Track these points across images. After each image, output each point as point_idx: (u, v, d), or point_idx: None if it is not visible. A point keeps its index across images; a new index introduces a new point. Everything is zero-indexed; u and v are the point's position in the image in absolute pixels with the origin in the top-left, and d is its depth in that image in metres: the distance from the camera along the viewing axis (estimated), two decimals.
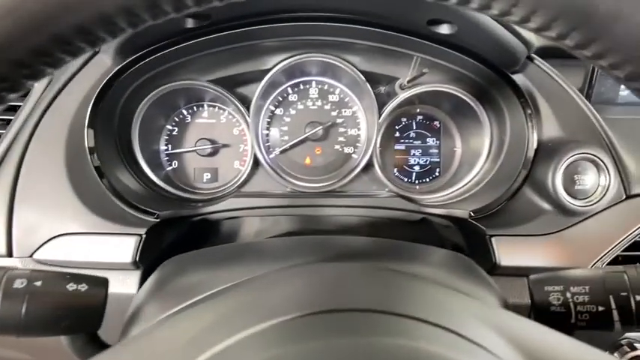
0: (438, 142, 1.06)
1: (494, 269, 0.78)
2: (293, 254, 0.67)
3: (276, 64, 0.92)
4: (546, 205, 0.82)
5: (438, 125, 1.06)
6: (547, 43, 0.85)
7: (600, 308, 0.52)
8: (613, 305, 0.52)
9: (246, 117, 0.95)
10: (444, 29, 0.79)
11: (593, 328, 0.53)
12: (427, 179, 1.06)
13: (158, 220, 0.82)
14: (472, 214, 0.85)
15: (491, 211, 0.85)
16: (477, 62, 0.85)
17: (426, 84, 0.94)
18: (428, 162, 1.06)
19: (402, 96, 0.93)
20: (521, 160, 0.86)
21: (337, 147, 1.04)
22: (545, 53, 0.89)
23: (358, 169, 0.98)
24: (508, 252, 0.78)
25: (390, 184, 0.99)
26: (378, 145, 1.02)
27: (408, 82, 0.90)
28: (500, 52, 0.81)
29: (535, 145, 0.84)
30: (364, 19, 0.82)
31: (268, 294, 0.39)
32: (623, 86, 0.91)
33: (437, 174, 1.06)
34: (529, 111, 0.84)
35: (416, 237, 0.94)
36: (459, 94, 0.94)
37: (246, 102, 0.96)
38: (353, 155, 1.03)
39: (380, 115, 0.95)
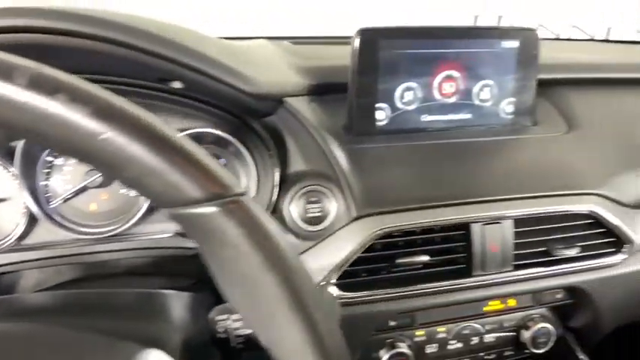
0: None
1: None
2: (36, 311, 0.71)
3: None
4: (289, 234, 0.93)
5: (225, 162, 1.15)
6: (306, 82, 0.97)
7: (249, 331, 0.62)
8: None
9: (16, 171, 0.97)
10: (176, 84, 0.87)
11: (253, 349, 0.63)
12: None
13: None
14: None
15: None
16: (219, 111, 0.94)
17: (192, 128, 1.02)
18: None
19: None
20: (269, 194, 0.96)
21: (123, 191, 1.08)
22: (310, 91, 1.01)
23: (142, 212, 1.03)
24: None
25: (174, 224, 1.05)
26: None
27: None
28: (235, 104, 0.91)
29: (277, 181, 0.95)
30: (107, 79, 0.89)
31: None
32: (377, 116, 1.04)
33: None
34: (270, 151, 0.95)
35: (196, 271, 1.01)
36: (224, 136, 1.03)
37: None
38: (139, 198, 1.08)
39: None
